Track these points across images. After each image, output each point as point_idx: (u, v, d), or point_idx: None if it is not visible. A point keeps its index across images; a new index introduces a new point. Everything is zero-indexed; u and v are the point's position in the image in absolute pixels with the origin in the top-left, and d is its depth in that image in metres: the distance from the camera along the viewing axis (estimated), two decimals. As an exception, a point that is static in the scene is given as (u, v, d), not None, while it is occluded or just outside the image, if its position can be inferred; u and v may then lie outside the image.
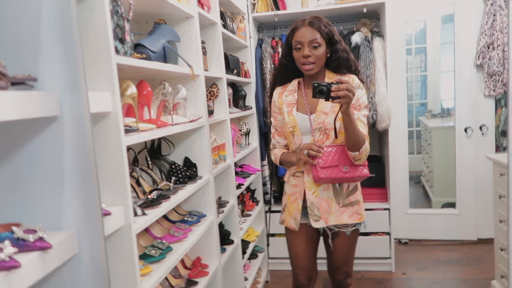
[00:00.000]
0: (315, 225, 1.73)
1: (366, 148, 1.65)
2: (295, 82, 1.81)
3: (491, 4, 3.15)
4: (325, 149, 1.67)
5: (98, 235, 0.91)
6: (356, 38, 2.92)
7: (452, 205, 3.62)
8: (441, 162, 3.94)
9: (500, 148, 3.43)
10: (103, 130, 1.12)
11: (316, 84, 1.53)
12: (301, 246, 1.82)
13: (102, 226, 0.91)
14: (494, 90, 3.25)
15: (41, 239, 0.78)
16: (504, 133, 3.44)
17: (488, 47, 3.19)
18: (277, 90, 1.85)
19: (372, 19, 3.09)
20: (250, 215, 2.70)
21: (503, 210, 2.44)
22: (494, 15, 3.15)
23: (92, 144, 0.89)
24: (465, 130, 3.40)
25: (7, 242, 0.71)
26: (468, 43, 3.30)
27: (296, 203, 1.78)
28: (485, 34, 3.19)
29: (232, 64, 2.51)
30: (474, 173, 3.44)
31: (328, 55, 1.73)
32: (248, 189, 2.92)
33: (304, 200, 1.76)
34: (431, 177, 4.13)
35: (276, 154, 1.86)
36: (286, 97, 1.79)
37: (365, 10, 2.90)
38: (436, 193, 3.97)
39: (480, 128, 3.38)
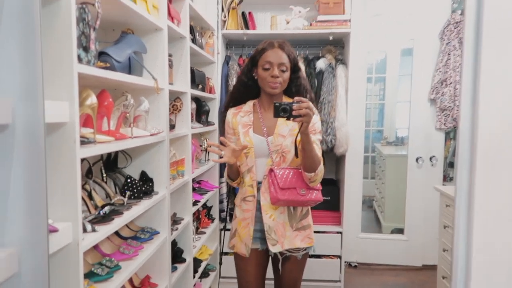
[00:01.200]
0: (273, 249, 1.72)
1: (321, 169, 1.68)
2: (250, 104, 1.82)
3: (446, 44, 3.36)
4: (282, 172, 1.68)
5: (42, 253, 0.85)
6: (321, 64, 3.01)
7: (401, 231, 3.75)
8: (393, 188, 4.09)
9: (447, 178, 3.63)
10: (57, 141, 1.07)
11: (278, 104, 1.54)
12: (252, 271, 1.80)
13: (48, 244, 0.86)
14: (445, 124, 3.44)
15: (-24, 257, 0.72)
16: (451, 164, 3.65)
17: (442, 84, 3.39)
18: (231, 111, 1.83)
19: (337, 46, 3.20)
20: (204, 232, 2.65)
21: (447, 239, 2.55)
22: (448, 54, 3.36)
23: (44, 155, 0.84)
24: (417, 160, 3.56)
25: None
26: (424, 77, 3.49)
27: (247, 228, 1.76)
28: (440, 71, 3.38)
29: (197, 79, 2.49)
30: (423, 201, 3.59)
31: (289, 81, 1.76)
32: (204, 205, 2.87)
33: (255, 225, 1.76)
34: (383, 203, 4.27)
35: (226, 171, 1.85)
36: (241, 118, 1.78)
37: (331, 38, 3.00)
38: (387, 219, 4.11)
39: (430, 159, 3.55)
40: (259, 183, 1.74)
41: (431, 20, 3.41)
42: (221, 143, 1.67)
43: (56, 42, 1.05)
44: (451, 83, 3.35)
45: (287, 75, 1.71)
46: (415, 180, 3.60)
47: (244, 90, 1.82)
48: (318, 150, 1.69)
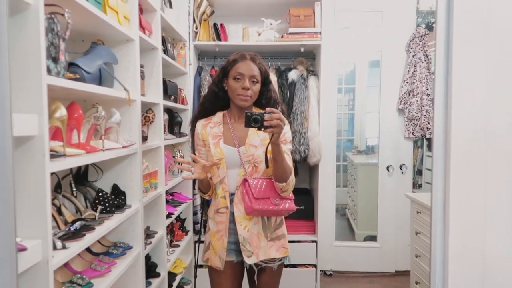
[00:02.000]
0: (248, 261, 1.70)
1: (293, 179, 1.69)
2: (219, 115, 1.81)
3: (413, 56, 3.48)
4: (256, 181, 1.68)
5: (10, 273, 0.81)
6: (292, 75, 3.05)
7: (373, 238, 3.82)
8: (365, 196, 4.16)
9: (416, 185, 3.74)
10: (25, 155, 1.02)
11: (249, 114, 1.54)
12: (227, 285, 1.77)
13: (16, 263, 0.82)
14: (413, 133, 3.55)
15: None
16: (419, 172, 3.77)
17: (409, 94, 3.51)
18: (200, 122, 1.81)
19: (308, 58, 3.25)
20: (178, 245, 2.61)
21: (419, 246, 2.61)
22: (414, 66, 3.48)
23: (11, 170, 0.81)
24: (387, 168, 3.65)
25: None
26: (391, 88, 3.60)
27: (221, 240, 1.74)
28: (407, 82, 3.50)
29: (170, 90, 2.47)
30: (394, 209, 3.68)
31: (259, 93, 1.77)
32: (178, 218, 2.83)
33: (229, 237, 1.74)
34: (355, 211, 4.34)
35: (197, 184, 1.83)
36: (211, 129, 1.77)
37: (302, 50, 3.05)
38: (359, 226, 4.17)
39: (400, 167, 3.65)
40: (232, 194, 1.73)
41: (397, 33, 3.53)
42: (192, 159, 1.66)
43: (24, 52, 1.01)
44: (418, 93, 3.47)
45: (257, 87, 1.72)
46: (386, 187, 3.69)
47: (215, 100, 1.81)
48: (289, 160, 1.70)
